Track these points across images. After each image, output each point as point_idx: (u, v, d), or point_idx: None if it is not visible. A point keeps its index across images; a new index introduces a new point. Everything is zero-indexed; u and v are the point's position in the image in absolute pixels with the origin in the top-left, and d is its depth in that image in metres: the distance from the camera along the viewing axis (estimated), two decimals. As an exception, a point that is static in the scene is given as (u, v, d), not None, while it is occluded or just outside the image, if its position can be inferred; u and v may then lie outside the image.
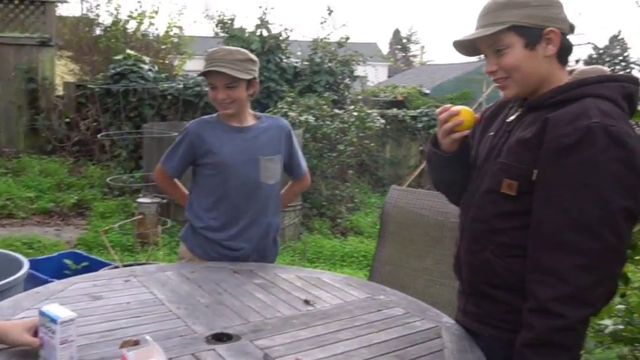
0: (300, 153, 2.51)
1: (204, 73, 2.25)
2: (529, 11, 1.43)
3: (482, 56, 1.57)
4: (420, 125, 8.87)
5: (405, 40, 51.02)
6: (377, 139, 8.48)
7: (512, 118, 1.57)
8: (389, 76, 27.10)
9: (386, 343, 1.59)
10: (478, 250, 1.56)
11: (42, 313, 1.37)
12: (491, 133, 1.62)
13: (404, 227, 2.78)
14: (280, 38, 8.39)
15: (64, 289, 1.88)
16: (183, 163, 2.37)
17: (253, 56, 2.31)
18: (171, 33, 10.61)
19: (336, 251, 5.65)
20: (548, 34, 1.43)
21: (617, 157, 1.32)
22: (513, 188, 1.46)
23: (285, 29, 8.48)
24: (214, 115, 2.39)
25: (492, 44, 1.47)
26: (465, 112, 1.57)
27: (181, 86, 8.01)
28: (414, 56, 46.90)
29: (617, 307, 1.96)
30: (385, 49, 45.85)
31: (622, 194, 1.33)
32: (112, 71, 8.03)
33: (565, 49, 1.48)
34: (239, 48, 2.33)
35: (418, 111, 9.22)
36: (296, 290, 1.98)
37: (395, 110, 9.21)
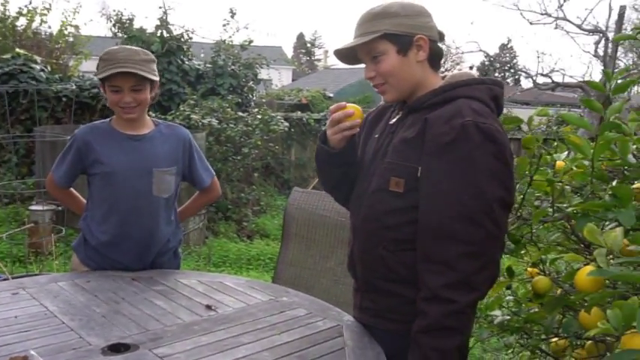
0: (203, 163, 2.36)
1: (107, 75, 2.06)
2: (399, 20, 1.54)
3: None
4: (323, 128, 8.96)
5: (309, 45, 51.56)
6: (282, 142, 8.52)
7: (394, 120, 1.67)
8: (293, 80, 27.28)
9: (288, 345, 1.60)
10: (371, 247, 1.62)
11: None
12: (376, 136, 1.71)
13: (307, 228, 2.81)
14: (182, 40, 8.23)
15: (-57, 305, 1.75)
16: (71, 172, 2.22)
17: (153, 57, 2.19)
18: (66, 32, 10.13)
19: (242, 255, 5.62)
20: (417, 40, 1.55)
21: (489, 152, 1.44)
22: (400, 185, 1.54)
23: (187, 31, 8.33)
24: (107, 120, 2.24)
25: (369, 52, 1.59)
26: (355, 108, 1.65)
27: (77, 88, 7.65)
28: (318, 60, 47.51)
29: (507, 298, 2.08)
30: (290, 53, 46.09)
31: (496, 185, 1.45)
32: (0, 71, 7.55)
33: (436, 55, 1.60)
34: (140, 48, 2.19)
35: (322, 114, 9.36)
36: (197, 295, 1.94)
37: (299, 113, 9.29)
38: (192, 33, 8.38)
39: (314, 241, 2.85)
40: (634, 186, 1.59)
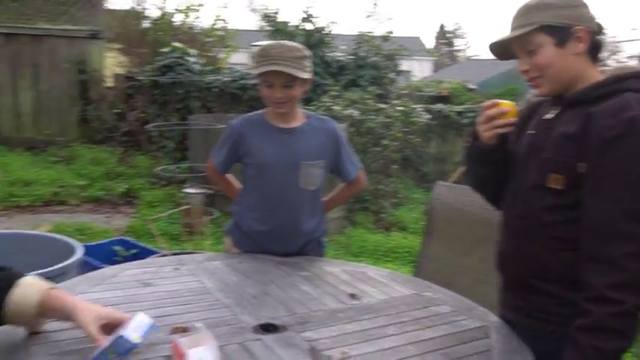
0: (350, 156, 2.39)
1: (261, 72, 2.13)
2: (557, 12, 1.49)
3: None
4: (465, 121, 8.73)
5: (450, 35, 50.35)
6: (422, 135, 8.40)
7: (550, 115, 1.60)
8: (434, 71, 26.80)
9: (433, 341, 1.58)
10: (526, 244, 1.58)
11: (120, 338, 1.31)
12: (531, 132, 1.65)
13: (450, 224, 2.75)
14: (324, 32, 8.39)
15: (116, 274, 1.93)
16: (227, 160, 2.34)
17: (308, 52, 2.22)
18: (217, 26, 10.74)
19: (380, 246, 5.63)
20: (577, 32, 1.49)
21: None
22: (560, 182, 1.49)
23: (330, 23, 8.47)
24: (259, 112, 2.32)
25: (524, 45, 1.54)
26: (510, 105, 1.61)
27: (227, 79, 8.09)
28: (459, 51, 46.27)
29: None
30: (430, 44, 45.35)
31: None
32: (159, 63, 8.18)
33: (595, 47, 1.53)
34: (295, 43, 2.20)
35: (464, 107, 9.09)
36: (342, 284, 1.98)
37: (440, 105, 9.10)
38: (335, 25, 8.52)
39: (456, 237, 2.79)
40: None
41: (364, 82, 8.20)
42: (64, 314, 1.40)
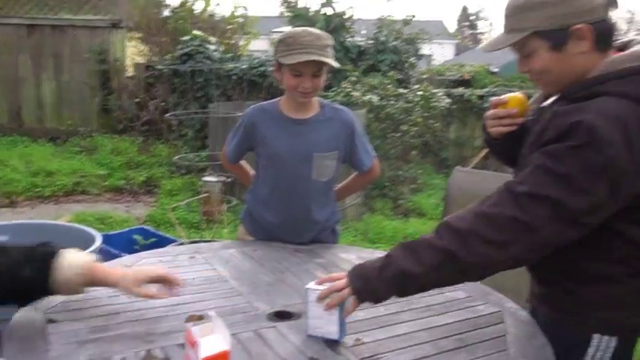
0: (365, 146, 2.34)
1: (293, 62, 2.03)
2: (551, 11, 1.33)
3: None
4: (486, 105, 8.60)
5: (473, 18, 49.65)
6: (442, 119, 8.33)
7: (547, 103, 1.51)
8: (456, 54, 26.47)
9: (447, 326, 1.57)
10: None
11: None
12: (531, 118, 1.57)
13: (468, 209, 2.72)
14: (345, 17, 8.33)
15: (133, 264, 1.96)
16: (239, 149, 2.34)
17: (332, 39, 2.16)
18: (237, 13, 10.73)
19: (398, 232, 5.62)
20: (576, 31, 1.33)
21: (583, 157, 1.26)
22: None
23: (350, 7, 8.41)
24: (274, 101, 2.28)
25: (519, 48, 1.41)
26: (517, 101, 1.54)
27: (246, 66, 8.10)
28: (482, 34, 45.63)
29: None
30: (452, 27, 44.78)
31: (563, 190, 1.28)
32: (180, 52, 8.21)
33: (603, 36, 1.36)
34: (320, 31, 2.12)
35: (485, 90, 8.98)
36: (357, 271, 1.97)
37: (461, 89, 9.00)
38: (355, 9, 8.46)
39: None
40: None
41: (384, 67, 8.14)
42: (109, 283, 1.53)
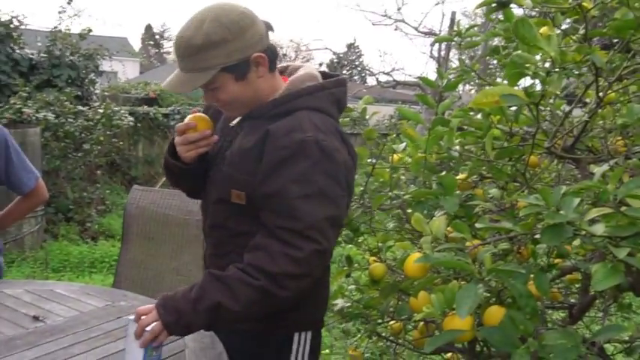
0: (25, 164, 2.12)
1: None
2: (229, 48, 1.39)
3: None
4: (172, 123, 8.70)
5: (157, 37, 49.85)
6: (128, 138, 8.13)
7: (235, 122, 1.58)
8: (140, 73, 26.24)
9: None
10: (223, 253, 1.57)
11: None
12: (218, 136, 1.60)
13: (149, 228, 2.70)
14: (11, 26, 7.51)
15: None
16: None
17: None
18: None
19: (85, 257, 5.29)
20: (254, 60, 1.44)
21: (325, 170, 1.40)
22: (242, 198, 1.48)
23: (16, 16, 7.61)
24: None
25: (206, 84, 1.45)
26: (205, 122, 1.55)
27: None
28: (168, 53, 46.14)
29: (349, 287, 2.16)
30: (137, 45, 44.25)
31: (327, 205, 1.41)
32: None
33: (272, 59, 1.49)
34: None
35: (170, 109, 9.06)
36: (24, 306, 1.78)
37: (146, 108, 8.91)
38: (24, 19, 7.68)
39: (158, 241, 2.75)
40: (458, 177, 1.71)
41: (61, 83, 7.56)
42: None
